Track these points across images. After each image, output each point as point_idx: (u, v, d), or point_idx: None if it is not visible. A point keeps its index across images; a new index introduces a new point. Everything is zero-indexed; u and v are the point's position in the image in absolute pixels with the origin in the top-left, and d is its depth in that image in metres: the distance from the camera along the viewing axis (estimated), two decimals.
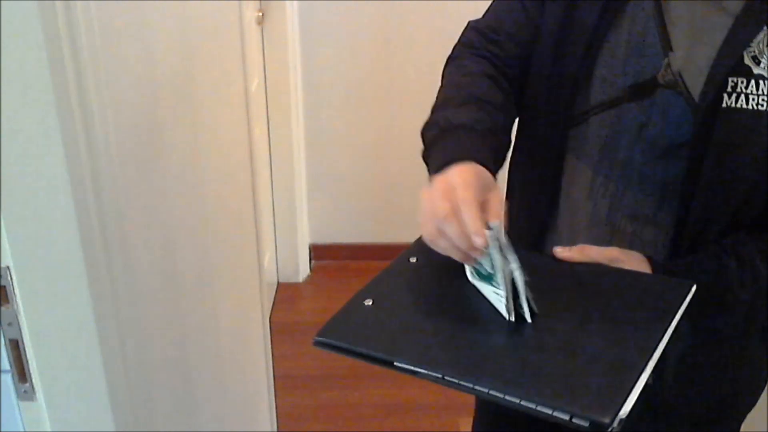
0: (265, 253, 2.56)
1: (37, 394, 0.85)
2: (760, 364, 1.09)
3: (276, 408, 2.01)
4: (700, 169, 0.90)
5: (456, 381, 0.71)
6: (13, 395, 0.85)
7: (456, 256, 0.79)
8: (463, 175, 0.80)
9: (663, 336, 0.74)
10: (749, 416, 1.13)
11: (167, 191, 1.13)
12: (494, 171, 0.86)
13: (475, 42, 1.05)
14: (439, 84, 1.06)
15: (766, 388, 1.14)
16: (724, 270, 0.88)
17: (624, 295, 0.81)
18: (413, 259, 0.89)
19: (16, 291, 0.80)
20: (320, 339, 0.78)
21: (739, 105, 0.87)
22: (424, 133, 0.97)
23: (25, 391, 0.85)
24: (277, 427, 2.03)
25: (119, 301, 0.89)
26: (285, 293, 3.04)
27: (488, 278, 0.80)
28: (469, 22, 1.10)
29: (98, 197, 0.82)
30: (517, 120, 1.05)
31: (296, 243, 3.09)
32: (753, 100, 0.86)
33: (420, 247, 0.88)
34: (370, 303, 0.82)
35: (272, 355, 1.94)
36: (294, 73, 2.86)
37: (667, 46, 0.90)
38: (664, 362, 1.01)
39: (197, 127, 1.30)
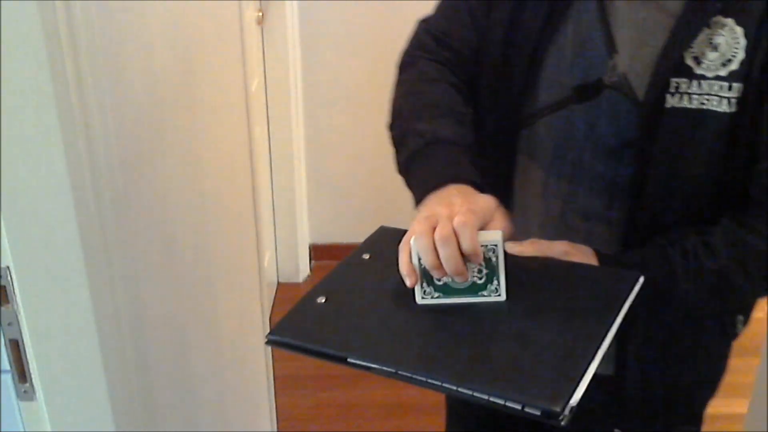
0: (265, 253, 2.55)
1: (37, 394, 0.85)
2: (718, 355, 1.10)
3: (276, 408, 2.01)
4: (647, 168, 0.91)
5: (409, 375, 0.72)
6: (13, 395, 0.85)
7: (439, 271, 0.79)
8: (465, 196, 0.82)
9: (611, 325, 0.75)
10: (749, 416, 1.14)
11: (167, 191, 1.13)
12: (482, 190, 0.86)
13: (430, 46, 1.04)
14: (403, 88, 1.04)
15: (766, 389, 1.14)
16: (668, 262, 0.89)
17: (573, 286, 0.82)
18: (366, 256, 0.89)
19: (16, 291, 0.80)
20: (272, 338, 0.78)
21: (682, 105, 0.88)
22: (402, 141, 0.96)
23: (25, 391, 0.85)
24: (277, 427, 2.03)
25: (119, 301, 0.89)
26: (285, 293, 3.04)
27: (461, 291, 0.80)
28: (419, 22, 1.08)
29: (98, 197, 0.82)
30: None
31: (296, 243, 3.08)
32: (696, 99, 0.88)
33: (372, 243, 0.90)
34: (323, 300, 0.82)
35: (272, 355, 1.94)
36: (294, 73, 2.86)
37: (612, 48, 0.92)
38: (625, 355, 1.02)
39: (197, 127, 1.30)
